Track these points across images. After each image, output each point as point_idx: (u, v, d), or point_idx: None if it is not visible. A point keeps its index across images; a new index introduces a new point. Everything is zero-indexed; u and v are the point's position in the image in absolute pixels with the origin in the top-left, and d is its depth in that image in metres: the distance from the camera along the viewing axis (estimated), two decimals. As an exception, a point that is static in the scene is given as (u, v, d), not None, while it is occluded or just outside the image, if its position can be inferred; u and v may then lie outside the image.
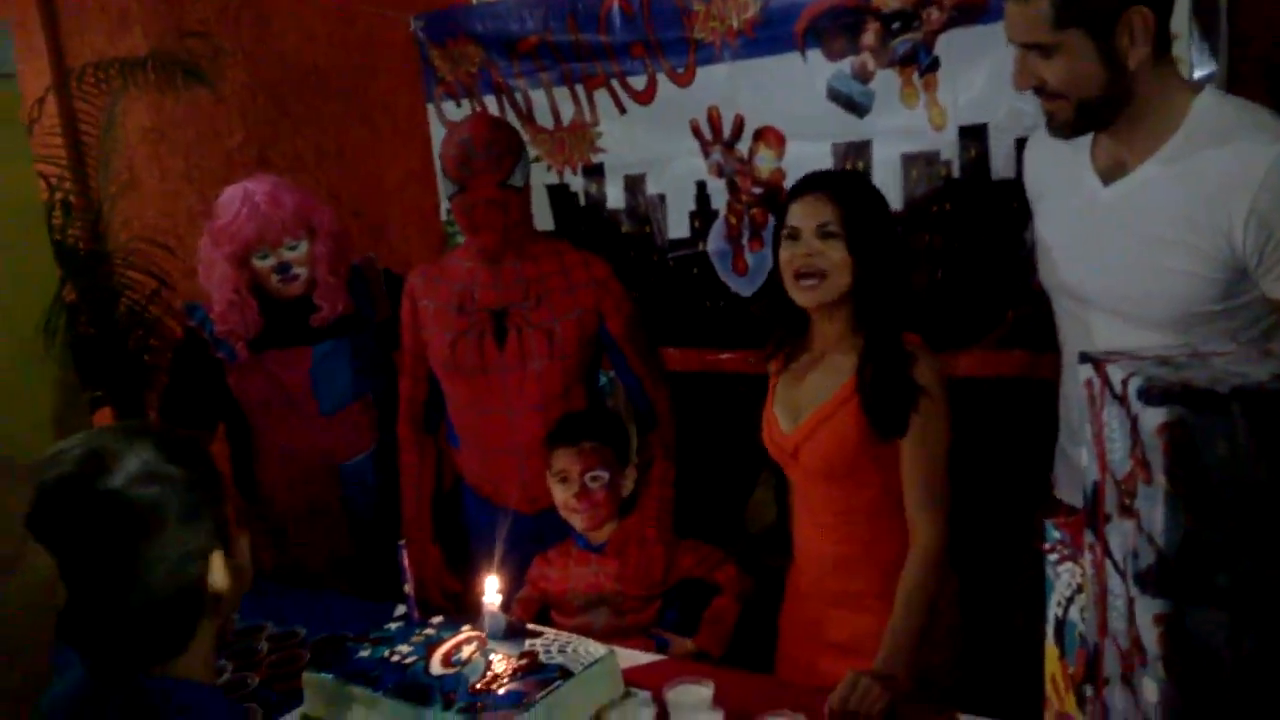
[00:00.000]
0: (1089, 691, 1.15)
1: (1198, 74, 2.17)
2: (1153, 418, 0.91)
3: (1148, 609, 0.95)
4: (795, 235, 1.84)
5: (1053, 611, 1.29)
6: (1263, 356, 1.01)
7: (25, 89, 3.74)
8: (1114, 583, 1.03)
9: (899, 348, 1.81)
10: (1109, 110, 1.65)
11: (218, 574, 1.18)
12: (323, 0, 3.38)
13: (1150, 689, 0.96)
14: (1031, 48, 1.64)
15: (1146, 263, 1.65)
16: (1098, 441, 1.05)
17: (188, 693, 1.18)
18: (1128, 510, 0.98)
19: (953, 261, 2.50)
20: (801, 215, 1.83)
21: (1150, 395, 0.92)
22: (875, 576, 1.86)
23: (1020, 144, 2.32)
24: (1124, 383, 0.97)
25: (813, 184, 1.88)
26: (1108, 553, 1.05)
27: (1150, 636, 0.95)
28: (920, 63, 2.44)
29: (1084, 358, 1.06)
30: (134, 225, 3.94)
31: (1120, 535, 1.01)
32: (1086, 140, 1.75)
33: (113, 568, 1.11)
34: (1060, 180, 1.83)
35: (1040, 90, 1.67)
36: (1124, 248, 1.68)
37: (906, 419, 1.79)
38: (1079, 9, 1.56)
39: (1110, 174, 1.71)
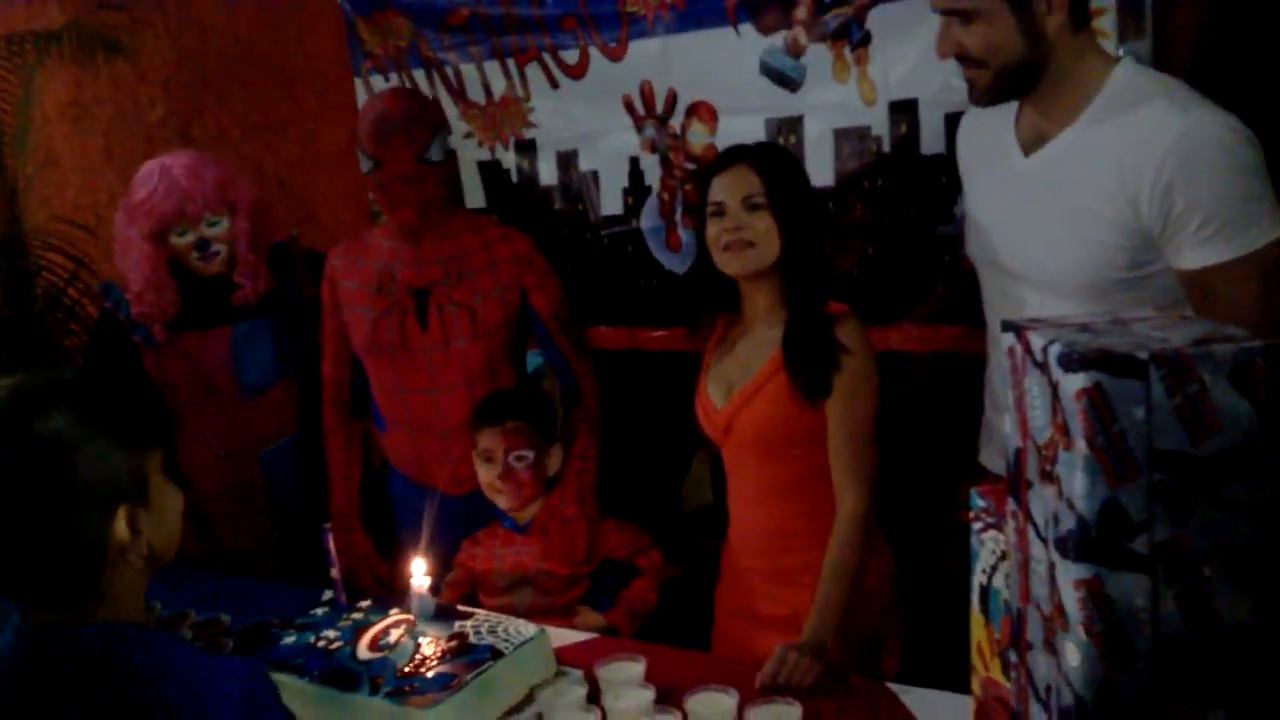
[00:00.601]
0: (1013, 657, 1.15)
1: (1123, 49, 2.18)
2: (1072, 384, 0.91)
3: (1069, 574, 0.95)
4: (721, 210, 1.83)
5: (977, 579, 1.29)
6: (1182, 322, 1.02)
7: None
8: (1036, 549, 1.03)
9: (822, 312, 1.82)
10: (1027, 78, 1.67)
11: (120, 526, 1.18)
12: (246, -30, 3.29)
13: (1072, 653, 0.96)
14: (953, 14, 1.66)
15: (1063, 231, 1.68)
16: (1019, 409, 1.05)
17: (120, 632, 1.19)
18: (1049, 476, 0.98)
19: (883, 236, 2.50)
20: (726, 189, 1.83)
21: (1069, 361, 0.92)
22: (810, 551, 1.86)
23: (950, 119, 2.34)
24: (1044, 350, 0.97)
25: (734, 156, 1.87)
26: (1030, 519, 1.05)
27: (1071, 601, 0.95)
28: (852, 37, 2.43)
29: (1006, 325, 1.06)
30: (53, 205, 3.81)
31: (1042, 501, 1.01)
32: (1011, 113, 1.77)
33: (20, 503, 1.14)
34: (987, 152, 1.85)
35: (961, 58, 1.69)
36: (1042, 217, 1.70)
37: (829, 378, 1.79)
38: None
39: (1031, 144, 1.74)
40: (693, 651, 1.89)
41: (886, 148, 2.46)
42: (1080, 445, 0.91)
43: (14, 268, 3.45)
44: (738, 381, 1.89)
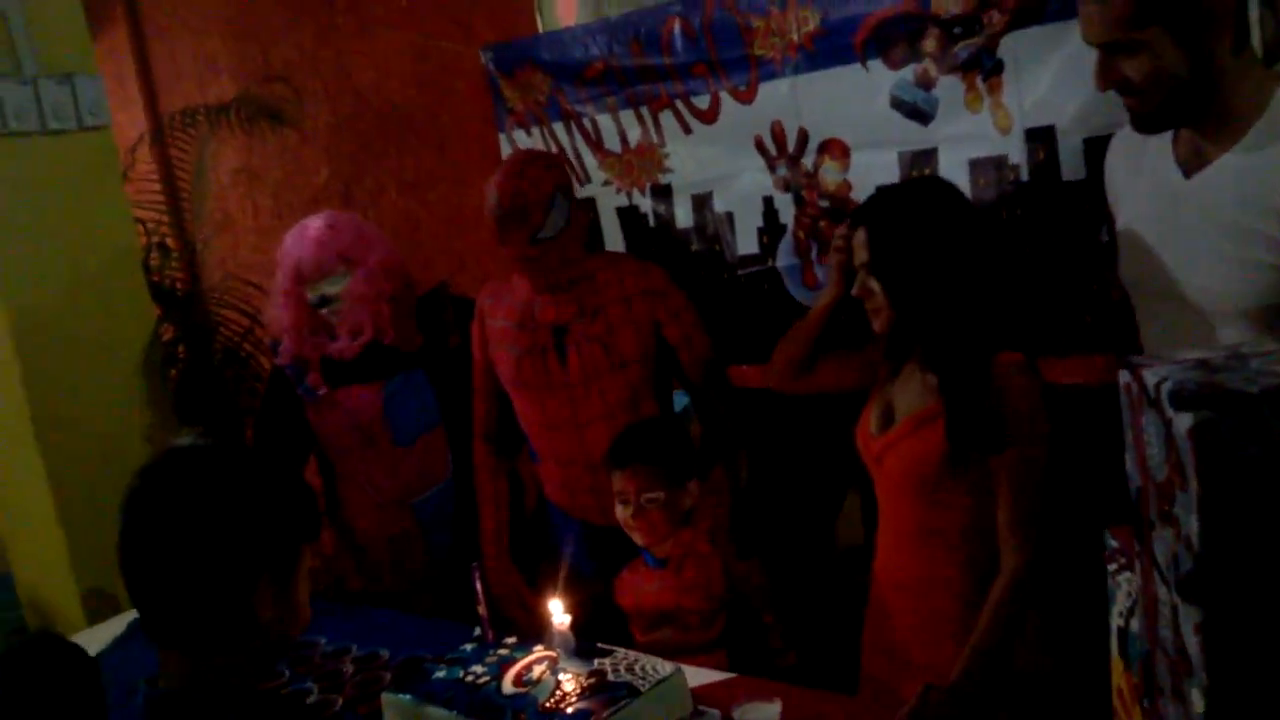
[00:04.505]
0: (1145, 703, 1.12)
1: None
2: (1184, 421, 0.89)
3: (1190, 617, 0.92)
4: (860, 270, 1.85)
5: (1115, 622, 1.26)
6: (1306, 355, 0.98)
7: (123, 137, 3.93)
8: (1160, 591, 1.01)
9: (980, 381, 1.74)
10: (1193, 102, 1.61)
11: (264, 602, 1.25)
12: (396, 38, 3.48)
13: (1197, 699, 0.93)
14: (1112, 46, 1.61)
15: (1226, 253, 1.62)
16: (1137, 447, 1.02)
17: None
18: (1168, 516, 0.96)
19: (1025, 267, 2.45)
20: (855, 252, 1.85)
21: (1180, 399, 0.90)
22: (959, 601, 1.81)
23: (1089, 144, 2.28)
24: (1157, 386, 0.95)
25: (855, 218, 1.88)
26: (1153, 561, 1.02)
27: (1194, 645, 0.92)
28: (983, 66, 2.40)
29: (1120, 362, 1.04)
30: (228, 264, 4.09)
31: (1163, 542, 0.98)
32: (1167, 135, 1.72)
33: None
34: (1142, 174, 1.79)
35: (1122, 88, 1.64)
36: (1205, 240, 1.65)
37: (996, 448, 1.73)
38: (1160, 3, 1.54)
39: (1191, 165, 1.68)
40: (829, 693, 1.88)
41: (1025, 176, 2.42)
42: (1194, 484, 0.89)
43: (194, 323, 3.70)
44: (898, 412, 1.86)
